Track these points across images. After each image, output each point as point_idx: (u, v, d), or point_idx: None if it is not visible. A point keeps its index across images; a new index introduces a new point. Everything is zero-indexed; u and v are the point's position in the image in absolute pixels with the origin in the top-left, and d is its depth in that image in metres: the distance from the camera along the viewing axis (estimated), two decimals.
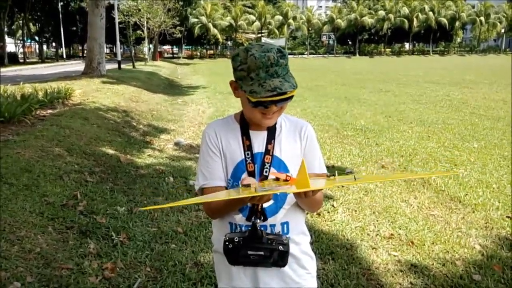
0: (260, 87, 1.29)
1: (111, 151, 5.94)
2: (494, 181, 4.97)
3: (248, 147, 1.45)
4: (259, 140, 1.46)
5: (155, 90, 15.26)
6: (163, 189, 4.62)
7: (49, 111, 7.67)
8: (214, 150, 1.47)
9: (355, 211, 4.08)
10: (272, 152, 1.45)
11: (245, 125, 1.47)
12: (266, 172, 1.43)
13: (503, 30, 75.50)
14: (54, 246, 3.09)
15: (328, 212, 4.02)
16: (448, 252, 3.23)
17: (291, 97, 1.35)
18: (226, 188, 1.47)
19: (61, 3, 45.15)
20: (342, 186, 4.69)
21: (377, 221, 3.84)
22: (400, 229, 3.65)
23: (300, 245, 1.52)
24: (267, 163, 1.43)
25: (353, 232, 3.59)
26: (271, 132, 1.47)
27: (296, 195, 1.34)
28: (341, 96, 14.14)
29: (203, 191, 1.48)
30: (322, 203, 1.56)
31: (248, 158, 1.44)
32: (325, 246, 3.31)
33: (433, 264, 3.05)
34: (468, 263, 3.05)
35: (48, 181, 4.22)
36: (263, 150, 1.45)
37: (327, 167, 1.56)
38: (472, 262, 3.07)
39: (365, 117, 9.68)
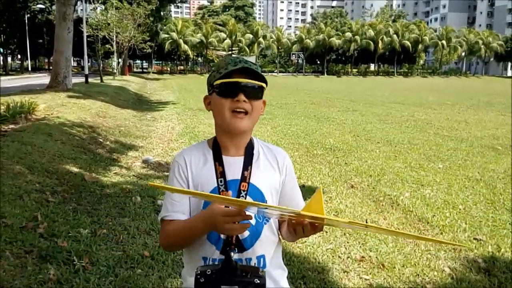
0: (226, 70, 1.32)
1: (75, 169, 5.72)
2: (460, 202, 5.08)
3: (221, 173, 1.37)
4: (234, 167, 1.38)
5: (123, 105, 14.99)
6: (129, 210, 4.46)
7: (11, 126, 7.36)
8: (180, 182, 1.39)
9: (326, 232, 4.05)
10: (249, 179, 1.37)
11: (218, 150, 1.40)
12: None
13: (463, 54, 78.94)
14: (11, 272, 2.90)
15: None
16: (418, 275, 3.23)
17: (260, 89, 1.35)
18: None
19: (28, 15, 44.14)
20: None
21: (347, 242, 3.82)
22: (370, 251, 3.64)
23: (277, 282, 1.43)
24: (243, 191, 1.36)
25: (324, 255, 3.56)
26: (248, 158, 1.40)
27: (297, 226, 1.25)
28: (310, 114, 14.30)
29: (163, 222, 1.39)
30: None
31: (222, 185, 1.36)
32: (297, 270, 3.26)
33: None
34: (439, 286, 3.06)
35: (6, 202, 4.00)
36: (239, 177, 1.37)
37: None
38: (442, 285, 3.08)
39: (334, 136, 9.79)
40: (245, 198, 1.35)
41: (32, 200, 4.22)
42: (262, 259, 1.39)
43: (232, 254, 1.29)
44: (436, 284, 3.10)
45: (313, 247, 3.69)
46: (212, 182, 1.36)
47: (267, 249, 1.41)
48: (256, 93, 1.34)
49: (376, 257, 3.52)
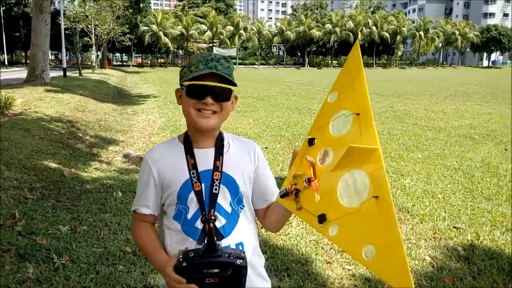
0: (196, 72, 1.31)
1: (54, 165, 5.61)
2: (439, 191, 5.16)
3: (193, 165, 1.39)
4: (205, 158, 1.41)
5: (103, 99, 14.75)
6: (110, 205, 4.40)
7: None
8: (149, 179, 1.43)
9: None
10: (221, 168, 1.40)
11: (189, 144, 1.43)
12: (216, 190, 1.37)
13: (440, 44, 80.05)
14: None
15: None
16: None
17: (228, 91, 1.35)
18: (154, 216, 1.46)
19: (3, 8, 42.95)
20: None
21: None
22: None
23: (255, 268, 1.46)
24: (216, 180, 1.39)
25: (307, 246, 3.57)
26: (219, 149, 1.43)
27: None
28: (292, 106, 14.32)
29: (134, 213, 1.48)
30: None
31: (194, 177, 1.38)
32: (280, 262, 3.26)
33: None
34: (420, 275, 3.10)
35: None
36: (211, 167, 1.40)
37: (281, 179, 1.55)
38: (424, 274, 3.13)
39: None
40: (219, 187, 1.39)
41: (9, 197, 4.13)
42: (240, 247, 1.40)
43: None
44: (417, 272, 3.15)
45: (297, 238, 3.71)
46: (185, 175, 1.39)
47: (244, 236, 1.43)
48: (224, 95, 1.35)
49: None
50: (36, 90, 12.32)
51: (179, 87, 1.41)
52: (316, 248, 3.55)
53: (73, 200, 4.51)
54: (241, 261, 1.27)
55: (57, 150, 6.42)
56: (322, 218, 1.14)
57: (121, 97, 17.93)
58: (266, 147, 7.40)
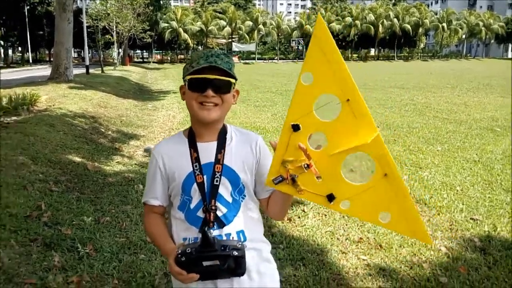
0: (197, 67, 1.38)
1: (77, 159, 5.80)
2: (458, 183, 5.13)
3: (196, 159, 1.46)
4: (208, 151, 1.48)
5: (124, 95, 15.02)
6: (132, 198, 4.54)
7: (14, 118, 7.43)
8: (156, 172, 1.51)
9: (325, 215, 4.12)
10: (222, 161, 1.46)
11: (193, 138, 1.50)
12: (216, 181, 1.44)
13: (464, 36, 78.17)
14: (16, 260, 2.98)
15: (299, 217, 4.04)
16: (415, 255, 3.30)
17: (228, 84, 1.41)
18: (163, 207, 1.53)
19: (28, 7, 43.90)
20: None
21: (346, 225, 3.89)
22: (368, 232, 3.71)
23: (259, 251, 1.52)
24: (218, 172, 1.45)
25: (323, 237, 3.63)
26: (221, 142, 1.49)
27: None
28: None
29: (145, 204, 1.56)
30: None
31: (197, 169, 1.45)
32: (296, 251, 3.33)
33: (401, 267, 3.11)
34: (435, 265, 3.13)
35: (11, 192, 4.08)
36: (213, 160, 1.46)
37: None
38: (439, 264, 3.15)
39: None
40: (220, 179, 1.45)
41: (35, 190, 4.30)
42: (241, 234, 1.47)
43: (211, 231, 1.38)
44: (432, 263, 3.17)
45: (312, 229, 3.77)
46: (188, 168, 1.46)
47: (246, 224, 1.49)
48: (224, 88, 1.42)
49: (374, 238, 3.59)
50: (60, 87, 12.64)
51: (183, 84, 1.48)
52: (331, 238, 3.60)
53: (97, 192, 4.67)
54: (237, 252, 1.31)
55: (80, 145, 6.62)
56: (331, 197, 1.23)
57: (142, 93, 18.21)
58: None
